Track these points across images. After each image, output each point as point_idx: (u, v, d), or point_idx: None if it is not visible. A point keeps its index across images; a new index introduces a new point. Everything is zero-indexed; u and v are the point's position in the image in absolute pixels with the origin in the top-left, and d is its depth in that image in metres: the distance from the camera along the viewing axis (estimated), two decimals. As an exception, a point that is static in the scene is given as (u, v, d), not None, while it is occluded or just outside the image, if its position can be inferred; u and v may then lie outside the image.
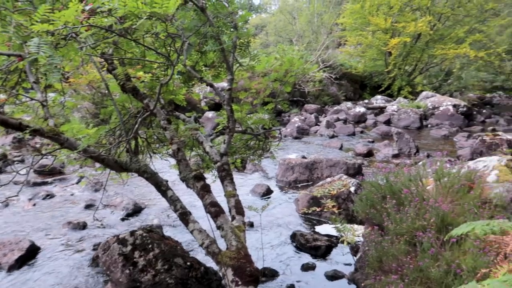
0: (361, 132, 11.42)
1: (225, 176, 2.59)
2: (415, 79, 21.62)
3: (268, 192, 5.68)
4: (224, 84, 11.85)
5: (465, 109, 13.75)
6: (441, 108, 13.84)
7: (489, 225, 1.58)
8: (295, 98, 15.46)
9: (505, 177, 3.20)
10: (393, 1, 18.30)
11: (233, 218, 2.38)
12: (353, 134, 11.00)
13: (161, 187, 2.29)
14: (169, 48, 3.47)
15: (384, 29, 18.76)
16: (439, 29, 19.71)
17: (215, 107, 12.11)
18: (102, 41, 1.91)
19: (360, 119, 13.22)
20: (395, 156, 8.50)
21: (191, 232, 2.18)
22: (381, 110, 15.26)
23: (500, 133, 8.76)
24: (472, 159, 8.13)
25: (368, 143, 9.99)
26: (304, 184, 6.15)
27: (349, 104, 15.25)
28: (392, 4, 18.46)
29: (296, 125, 11.02)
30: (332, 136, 10.59)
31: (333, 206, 3.40)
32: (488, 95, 28.01)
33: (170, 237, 3.50)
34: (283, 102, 4.04)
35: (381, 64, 20.77)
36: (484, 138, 8.34)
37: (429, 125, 13.30)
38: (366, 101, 17.98)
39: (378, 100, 17.07)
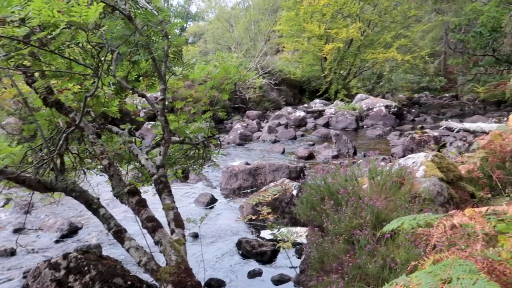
0: (302, 135, 11.71)
1: (163, 189, 2.50)
2: (350, 82, 22.66)
3: (212, 201, 5.61)
4: (158, 94, 11.44)
5: (396, 109, 14.62)
6: (374, 109, 14.61)
7: (415, 219, 1.67)
8: (236, 105, 15.53)
9: (431, 172, 3.43)
10: (325, 9, 19.08)
11: (172, 231, 2.30)
12: (295, 138, 11.25)
13: (92, 205, 2.16)
14: (97, 58, 3.32)
15: (318, 36, 19.49)
16: (369, 35, 20.88)
17: (155, 117, 11.79)
18: (15, 53, 1.77)
19: (300, 123, 13.57)
20: (335, 157, 8.81)
21: (127, 250, 2.08)
22: (320, 113, 15.78)
23: (427, 130, 9.42)
24: (404, 156, 8.64)
25: (309, 146, 10.26)
26: (249, 190, 6.17)
27: (289, 108, 15.60)
28: (324, 12, 19.24)
29: (239, 131, 11.05)
30: (275, 141, 10.75)
31: (268, 213, 3.43)
32: (416, 95, 30.10)
33: (108, 257, 3.32)
34: (221, 109, 4.01)
35: (318, 69, 21.53)
36: (413, 136, 8.91)
37: (364, 126, 13.97)
38: (305, 105, 18.49)
39: (316, 104, 17.64)
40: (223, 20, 24.85)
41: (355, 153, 9.10)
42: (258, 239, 4.46)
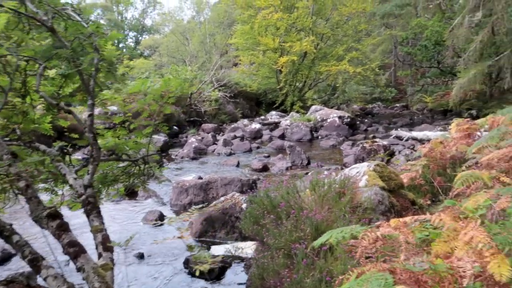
0: (258, 147, 11.72)
1: (91, 210, 2.35)
2: (306, 94, 23.10)
3: (161, 218, 5.42)
4: (115, 108, 11.02)
5: (349, 120, 15.02)
6: (328, 120, 14.93)
7: (342, 232, 1.64)
8: (192, 119, 15.34)
9: (373, 181, 3.49)
10: (279, 23, 19.44)
11: (100, 255, 2.15)
12: (250, 150, 11.23)
13: (4, 232, 1.97)
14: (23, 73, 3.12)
15: (273, 49, 19.77)
16: (322, 48, 21.47)
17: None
18: None
19: (256, 135, 13.59)
20: (289, 168, 8.85)
21: (45, 279, 1.91)
22: (276, 125, 15.91)
23: (377, 140, 9.71)
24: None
25: (264, 158, 10.26)
26: (200, 205, 6.01)
27: (245, 121, 15.61)
28: (278, 26, 19.59)
29: (193, 145, 10.88)
30: (230, 154, 10.67)
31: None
32: (369, 105, 31.21)
33: (38, 285, 3.08)
34: (162, 124, 3.88)
35: (274, 81, 21.79)
36: (364, 145, 9.15)
37: (319, 137, 14.21)
38: (262, 117, 18.59)
39: (273, 116, 17.79)
40: (178, 34, 24.67)
41: (308, 164, 9.19)
42: (206, 256, 4.32)
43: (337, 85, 20.72)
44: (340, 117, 14.87)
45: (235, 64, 26.25)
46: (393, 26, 30.60)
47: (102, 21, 45.02)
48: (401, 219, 1.71)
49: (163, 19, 31.32)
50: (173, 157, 10.46)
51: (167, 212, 5.79)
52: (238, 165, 9.28)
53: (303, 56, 21.11)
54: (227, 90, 18.67)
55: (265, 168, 8.74)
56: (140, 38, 43.65)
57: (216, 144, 11.97)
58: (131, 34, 47.31)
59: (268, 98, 22.11)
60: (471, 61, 11.77)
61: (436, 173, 4.74)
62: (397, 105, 30.38)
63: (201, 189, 6.20)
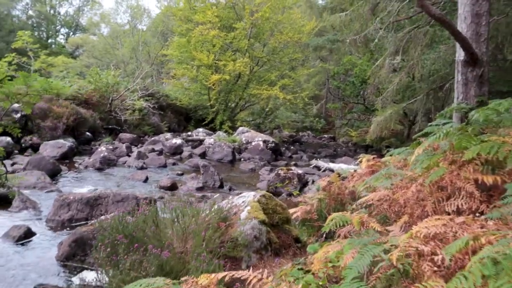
0: (174, 164, 11.14)
1: None
2: (238, 115, 23.00)
3: (27, 235, 4.65)
4: (16, 105, 9.59)
5: (273, 145, 15.01)
6: (253, 143, 14.79)
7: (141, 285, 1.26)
8: (110, 126, 14.34)
9: (254, 214, 3.18)
10: (215, 40, 19.26)
11: None
12: (165, 166, 10.61)
13: None
14: None
15: (207, 65, 19.48)
16: (257, 72, 21.62)
17: (3, 131, 10.13)
18: None
19: (176, 151, 13.00)
20: (199, 189, 8.40)
21: None
22: (200, 142, 15.43)
23: (293, 168, 9.64)
24: (267, 191, 8.64)
25: (177, 176, 9.73)
26: (82, 223, 5.32)
27: (168, 135, 14.95)
28: (214, 43, 19.40)
29: (102, 155, 10.02)
30: (141, 168, 9.97)
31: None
32: (300, 133, 32.00)
33: None
34: (12, 126, 3.29)
35: (206, 98, 21.42)
36: (279, 172, 9.00)
37: (242, 159, 13.98)
38: (189, 133, 18.03)
39: (199, 133, 17.32)
40: (109, 37, 23.46)
41: (221, 186, 8.82)
42: (66, 285, 3.69)
43: (267, 109, 20.86)
44: (264, 141, 14.80)
45: (173, 77, 25.57)
46: (327, 60, 32.05)
47: (30, 12, 41.92)
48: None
49: (98, 20, 29.77)
50: (76, 165, 9.52)
51: (39, 228, 5.02)
52: (146, 181, 8.63)
53: (237, 77, 21.07)
54: (154, 101, 17.91)
55: (173, 187, 8.20)
56: (73, 36, 41.18)
57: (129, 156, 11.19)
58: (63, 30, 44.60)
59: (199, 114, 21.63)
60: (388, 100, 12.35)
61: (332, 209, 4.59)
62: (326, 135, 31.50)
63: (87, 205, 5.52)
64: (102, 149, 10.31)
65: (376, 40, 10.39)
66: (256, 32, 20.70)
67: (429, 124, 4.13)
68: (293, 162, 14.46)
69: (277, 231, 3.21)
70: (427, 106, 13.16)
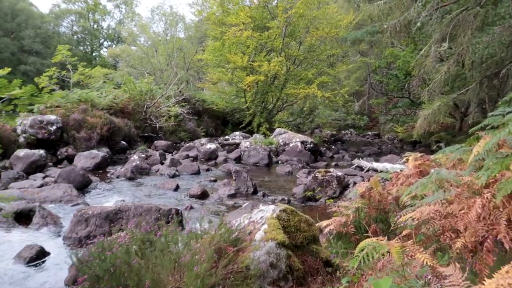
0: (207, 170, 10.77)
1: None
2: (276, 116, 22.46)
3: (39, 255, 4.36)
4: (52, 117, 9.90)
5: (312, 145, 14.30)
6: (290, 145, 14.17)
7: None
8: (146, 134, 14.29)
9: (271, 234, 2.61)
10: (249, 41, 18.84)
11: None
12: (198, 172, 10.26)
13: None
14: None
15: (241, 67, 19.11)
16: (293, 71, 20.96)
17: (39, 143, 10.25)
18: None
19: (211, 156, 12.66)
20: (231, 196, 7.93)
21: None
22: (236, 146, 15.05)
23: (331, 170, 8.92)
24: (304, 197, 8.02)
25: (209, 182, 9.33)
26: (101, 239, 4.99)
27: (203, 140, 14.69)
28: (248, 44, 18.99)
29: (134, 164, 9.84)
30: (173, 176, 9.68)
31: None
32: (342, 132, 30.90)
33: None
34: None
35: (243, 101, 21.07)
36: (316, 175, 8.34)
37: (279, 161, 13.40)
38: (226, 137, 17.73)
39: (236, 137, 16.95)
40: (143, 45, 23.75)
41: (255, 192, 8.30)
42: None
43: (304, 109, 20.12)
44: (302, 142, 14.14)
45: (214, 83, 25.53)
46: (367, 55, 30.73)
47: (75, 28, 43.82)
48: None
49: (135, 30, 30.37)
50: (108, 175, 9.38)
51: (55, 247, 4.73)
52: (176, 189, 8.29)
53: (273, 78, 20.54)
54: (189, 107, 17.77)
55: (203, 195, 7.78)
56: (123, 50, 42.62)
57: (163, 163, 10.97)
58: (106, 44, 46.22)
59: (236, 117, 21.31)
60: (436, 92, 11.28)
61: (372, 219, 3.91)
62: (369, 133, 30.21)
63: (106, 219, 5.19)
64: (135, 158, 10.14)
65: (418, 24, 9.43)
66: (291, 30, 20.07)
67: (490, 114, 3.35)
68: (333, 163, 13.69)
69: (301, 254, 2.63)
70: (481, 96, 11.92)
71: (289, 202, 7.69)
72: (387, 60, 23.42)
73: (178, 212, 5.80)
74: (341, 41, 19.50)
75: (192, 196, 7.72)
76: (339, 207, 4.01)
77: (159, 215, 5.51)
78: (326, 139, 21.56)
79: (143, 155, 11.00)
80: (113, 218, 5.25)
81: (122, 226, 5.20)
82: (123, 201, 6.71)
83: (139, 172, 9.75)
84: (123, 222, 5.29)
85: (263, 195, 8.01)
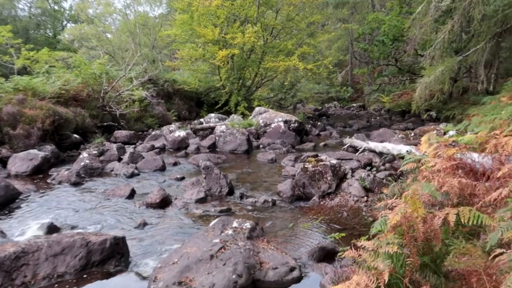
0: (175, 164, 9.00)
1: None
2: (255, 93, 20.65)
3: None
4: None
5: (296, 124, 12.64)
6: (272, 125, 12.48)
7: None
8: (105, 123, 12.33)
9: None
10: (220, 11, 16.79)
11: None
12: (163, 168, 8.50)
13: None
14: None
15: (213, 41, 17.10)
16: (271, 42, 19.04)
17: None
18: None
19: (180, 146, 10.87)
20: (201, 201, 6.23)
21: None
22: (212, 130, 13.29)
23: (323, 157, 7.28)
24: (293, 195, 6.38)
25: (176, 181, 7.60)
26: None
27: (172, 126, 12.85)
28: (218, 14, 16.94)
29: (82, 163, 8.03)
30: (131, 175, 7.90)
31: None
32: (325, 105, 29.31)
33: None
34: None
35: (217, 78, 19.15)
36: (306, 166, 6.69)
37: (261, 146, 11.73)
38: (201, 120, 15.91)
39: (211, 119, 15.15)
40: (99, 22, 21.26)
41: (230, 193, 6.62)
42: None
43: (285, 83, 18.33)
44: (286, 122, 12.45)
45: (188, 61, 23.26)
46: (349, 21, 28.88)
47: (33, 10, 40.23)
48: None
49: (105, 10, 27.30)
50: (49, 181, 7.52)
51: None
52: (131, 196, 6.53)
53: (250, 51, 18.61)
54: (158, 89, 15.79)
55: (164, 202, 6.06)
56: (82, 30, 39.43)
57: (121, 159, 9.16)
58: (70, 26, 42.91)
59: (211, 97, 19.39)
60: (437, 55, 9.66)
61: (417, 270, 2.27)
62: (354, 105, 28.77)
63: (1, 269, 3.44)
64: (84, 156, 8.30)
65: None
66: (265, -3, 18.03)
67: None
68: (322, 143, 12.10)
69: None
70: (486, 58, 10.37)
71: (274, 203, 6.06)
72: (371, 26, 21.67)
73: (118, 243, 4.08)
74: (322, 5, 17.61)
75: (149, 205, 6.00)
76: (360, 255, 2.35)
77: (87, 253, 3.78)
78: (310, 115, 19.96)
79: (95, 151, 9.13)
80: (11, 267, 3.49)
81: (26, 279, 3.48)
82: (51, 224, 4.94)
83: (89, 174, 7.94)
84: (29, 271, 3.54)
85: (241, 197, 6.34)
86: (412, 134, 11.26)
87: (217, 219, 4.41)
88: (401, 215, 2.33)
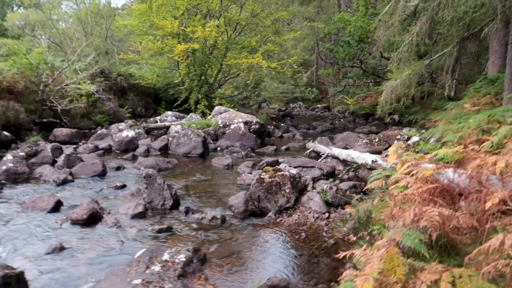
0: (118, 168, 8.00)
1: None
2: (217, 91, 19.74)
3: None
4: None
5: (257, 126, 11.89)
6: (232, 126, 11.67)
7: None
8: (45, 120, 11.06)
9: None
10: (179, 2, 15.76)
11: None
12: (103, 174, 7.49)
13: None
14: None
15: (172, 34, 16.04)
16: (235, 38, 18.21)
17: None
18: None
19: (128, 147, 9.85)
20: (139, 216, 5.34)
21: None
22: (167, 130, 12.31)
23: (282, 166, 6.57)
24: (246, 210, 5.60)
25: (115, 190, 6.64)
26: None
27: (122, 125, 11.73)
28: (178, 5, 15.90)
29: (5, 167, 6.90)
30: (63, 182, 6.84)
31: None
32: (290, 105, 28.84)
33: None
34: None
35: (177, 74, 18.09)
36: (262, 176, 5.93)
37: (218, 148, 10.90)
38: (157, 118, 14.83)
39: (168, 117, 14.13)
40: (46, 8, 19.59)
41: (175, 206, 5.74)
42: None
43: (248, 81, 17.56)
44: (246, 123, 11.67)
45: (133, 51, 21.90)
46: (316, 20, 28.50)
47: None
48: None
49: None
50: None
51: None
52: (55, 209, 5.51)
53: (212, 47, 17.67)
54: (110, 83, 14.58)
55: (93, 219, 5.11)
56: (30, 15, 36.83)
57: (56, 162, 8.05)
58: (22, 11, 40.13)
59: (170, 94, 18.28)
60: (404, 58, 9.20)
61: None
62: (319, 106, 28.49)
63: None
64: (8, 158, 7.15)
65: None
66: (229, -10, 17.17)
67: None
68: (284, 147, 11.42)
69: None
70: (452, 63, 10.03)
71: (224, 221, 5.26)
72: (336, 26, 21.30)
73: (10, 283, 3.15)
74: (288, 2, 16.96)
75: (74, 222, 5.03)
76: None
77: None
78: (274, 115, 19.29)
79: (23, 153, 7.96)
80: None
81: None
82: None
83: (12, 180, 6.82)
84: None
85: (186, 212, 5.48)
86: (377, 140, 10.80)
87: (143, 250, 3.55)
88: (374, 280, 1.61)
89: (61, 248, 4.25)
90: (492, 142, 3.87)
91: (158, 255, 3.43)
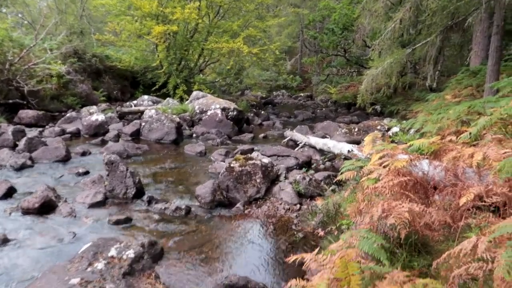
0: (83, 154, 7.57)
1: None
2: (197, 76, 19.21)
3: None
4: None
5: (235, 113, 11.53)
6: (209, 113, 11.28)
7: None
8: (10, 101, 10.46)
9: None
10: (158, -20, 15.13)
11: None
12: (66, 159, 7.07)
13: None
14: None
15: (150, 15, 15.43)
16: (218, 22, 17.67)
17: None
18: None
19: (98, 131, 9.39)
20: (97, 205, 4.98)
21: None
22: (141, 115, 11.85)
23: (254, 155, 6.27)
24: (213, 201, 5.29)
25: (78, 176, 6.24)
26: None
27: (93, 108, 11.22)
28: (156, -16, 15.26)
29: (-44, 151, 6.40)
30: (21, 167, 6.41)
31: None
32: (274, 93, 28.49)
33: None
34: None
35: (156, 57, 17.48)
36: (232, 165, 5.62)
37: (194, 135, 10.53)
38: (134, 102, 14.31)
39: (144, 102, 13.63)
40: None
41: (138, 195, 5.38)
42: None
43: (228, 67, 17.12)
44: (223, 110, 11.29)
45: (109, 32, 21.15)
46: (300, 7, 28.05)
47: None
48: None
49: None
50: None
51: None
52: (6, 196, 5.11)
53: (193, 30, 17.11)
54: (84, 64, 13.94)
55: (46, 208, 4.72)
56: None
57: (17, 145, 7.57)
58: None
59: (148, 78, 17.68)
60: (386, 46, 8.94)
61: None
62: (302, 94, 28.18)
63: None
64: (-39, 141, 6.65)
65: None
66: (211, -29, 16.54)
67: None
68: (262, 135, 11.14)
69: None
70: (434, 53, 9.84)
71: (189, 212, 4.94)
72: (322, 14, 20.96)
73: None
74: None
75: (25, 211, 4.64)
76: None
77: None
78: (254, 102, 18.93)
79: (-20, 136, 7.46)
80: None
81: None
82: None
83: (-36, 164, 6.35)
84: None
85: (149, 201, 5.14)
86: (356, 129, 10.59)
87: (88, 244, 3.21)
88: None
89: (4, 240, 3.87)
90: (470, 133, 3.63)
91: (104, 250, 3.10)
